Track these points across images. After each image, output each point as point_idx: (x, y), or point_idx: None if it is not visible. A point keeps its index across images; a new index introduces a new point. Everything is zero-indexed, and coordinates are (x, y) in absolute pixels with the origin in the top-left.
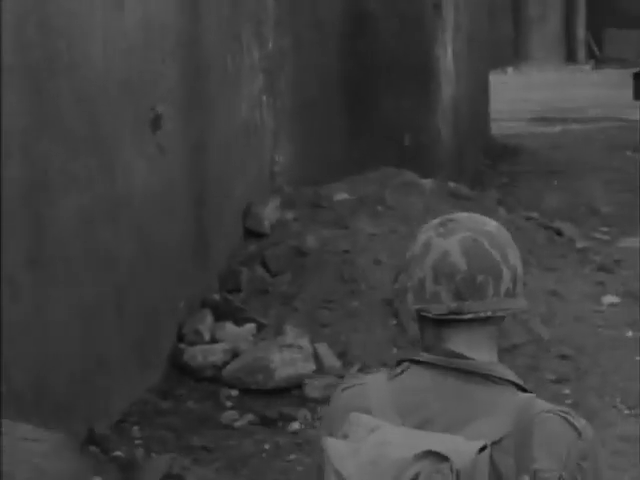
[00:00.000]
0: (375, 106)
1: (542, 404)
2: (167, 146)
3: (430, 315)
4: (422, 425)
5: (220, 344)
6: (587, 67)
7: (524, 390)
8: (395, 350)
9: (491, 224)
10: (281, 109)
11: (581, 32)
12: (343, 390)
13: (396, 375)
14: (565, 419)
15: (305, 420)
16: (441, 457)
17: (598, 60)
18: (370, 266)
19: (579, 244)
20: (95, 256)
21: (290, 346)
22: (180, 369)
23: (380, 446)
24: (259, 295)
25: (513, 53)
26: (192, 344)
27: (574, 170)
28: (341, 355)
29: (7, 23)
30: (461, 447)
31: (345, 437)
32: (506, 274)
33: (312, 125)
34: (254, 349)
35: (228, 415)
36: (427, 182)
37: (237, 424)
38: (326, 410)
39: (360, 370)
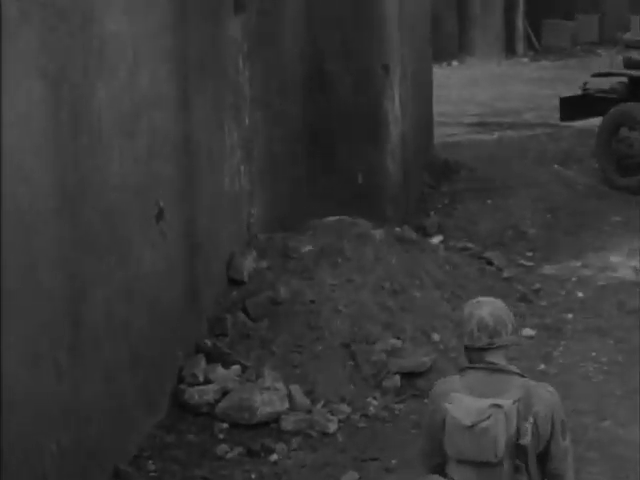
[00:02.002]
0: (332, 152)
1: (533, 382)
2: (167, 230)
3: (476, 346)
4: (480, 396)
5: (212, 385)
6: (526, 60)
7: (523, 376)
8: (352, 386)
9: (498, 302)
10: (255, 171)
11: (520, 26)
12: (439, 383)
13: (462, 375)
14: (545, 387)
15: (282, 452)
16: (498, 405)
17: (537, 51)
18: (332, 315)
19: (506, 273)
20: (114, 329)
21: (268, 389)
22: (181, 407)
23: (466, 404)
24: (242, 339)
25: (458, 47)
26: (190, 385)
27: (506, 187)
28: (309, 393)
29: (50, 167)
30: (504, 402)
31: (450, 403)
32: (509, 325)
33: (280, 176)
34: (240, 390)
35: (222, 448)
36: (377, 232)
37: (229, 455)
38: (432, 393)
39: (324, 406)
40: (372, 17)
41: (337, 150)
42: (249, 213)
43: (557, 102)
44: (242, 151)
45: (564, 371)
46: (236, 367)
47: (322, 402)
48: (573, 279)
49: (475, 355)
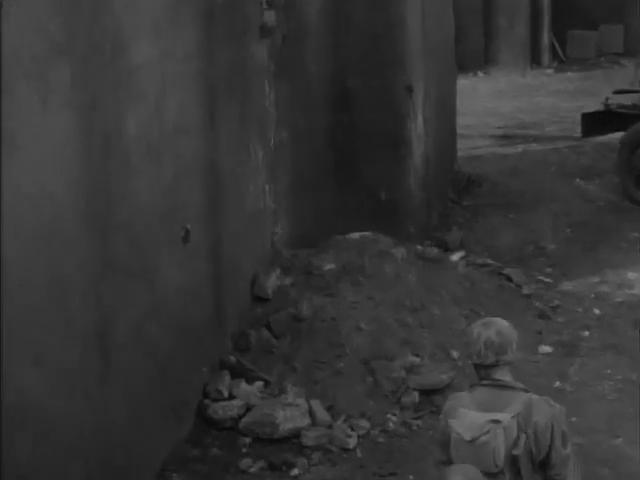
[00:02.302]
0: (356, 170)
1: (536, 396)
2: (193, 251)
3: (484, 364)
4: (486, 410)
5: (236, 400)
6: (550, 71)
7: (527, 391)
8: (372, 402)
9: (503, 322)
10: (280, 190)
11: (545, 38)
12: (450, 399)
13: (471, 391)
14: (546, 401)
15: (303, 467)
16: (497, 420)
17: (562, 61)
18: (352, 332)
19: (525, 290)
20: (142, 349)
21: (290, 404)
22: (205, 422)
23: (469, 420)
24: (265, 355)
25: (484, 58)
26: (215, 400)
27: (528, 202)
28: (329, 408)
29: (78, 192)
30: (504, 417)
31: (455, 418)
32: (513, 344)
33: (305, 194)
34: (263, 405)
35: (245, 462)
36: (398, 250)
37: (251, 470)
38: (444, 408)
39: (344, 422)
40: (396, 38)
41: (361, 168)
42: (273, 231)
43: (579, 115)
44: (267, 171)
45: (579, 389)
46: (259, 383)
47: (342, 418)
48: (591, 296)
49: (483, 372)
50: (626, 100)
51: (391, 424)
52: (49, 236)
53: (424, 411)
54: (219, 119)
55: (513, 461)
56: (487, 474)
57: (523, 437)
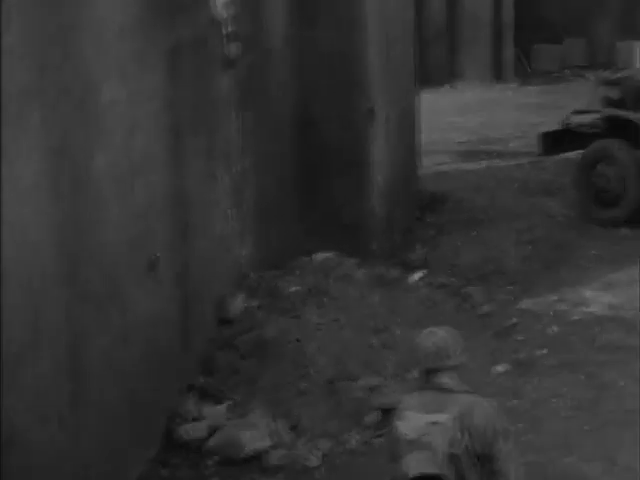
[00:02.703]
0: (321, 192)
1: (477, 397)
2: (162, 278)
3: (429, 369)
4: (429, 412)
5: (203, 421)
6: (514, 84)
7: (469, 393)
8: (335, 422)
9: (447, 330)
10: (245, 213)
11: (509, 52)
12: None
13: (418, 394)
14: (487, 402)
15: None
16: (436, 422)
17: (528, 74)
18: (317, 353)
19: (485, 308)
20: (112, 375)
21: (255, 425)
22: (174, 442)
23: (414, 420)
24: (232, 376)
25: (449, 72)
26: (182, 422)
27: (491, 218)
28: (293, 428)
29: (49, 227)
30: (444, 418)
31: (401, 419)
32: (457, 350)
33: (271, 217)
34: (229, 426)
35: None
36: (361, 272)
37: None
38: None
39: (308, 441)
40: (357, 64)
41: (325, 190)
42: (240, 254)
43: (543, 129)
44: (233, 196)
45: (535, 407)
46: (226, 404)
47: (306, 437)
48: (549, 314)
49: (427, 377)
50: (585, 119)
51: (353, 443)
52: (24, 266)
53: (385, 430)
54: (185, 150)
55: (453, 459)
56: (435, 465)
57: (465, 436)
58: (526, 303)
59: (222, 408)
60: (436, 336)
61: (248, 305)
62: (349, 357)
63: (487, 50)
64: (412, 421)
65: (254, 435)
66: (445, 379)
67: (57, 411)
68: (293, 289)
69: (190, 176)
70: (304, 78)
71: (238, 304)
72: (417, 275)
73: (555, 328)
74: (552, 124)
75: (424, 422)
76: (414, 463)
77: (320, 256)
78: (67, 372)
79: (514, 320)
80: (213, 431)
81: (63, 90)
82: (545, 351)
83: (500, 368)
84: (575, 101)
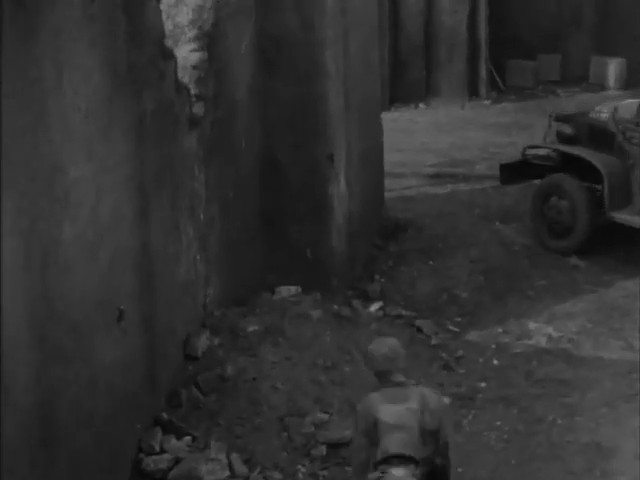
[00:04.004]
0: (285, 231)
1: (426, 389)
2: (128, 326)
3: (383, 371)
4: (395, 403)
5: (166, 454)
6: (488, 102)
7: (417, 385)
8: (285, 455)
9: (391, 340)
10: (211, 257)
11: (483, 69)
12: (365, 402)
13: (380, 392)
14: (434, 392)
15: None
16: (410, 408)
17: (502, 90)
18: (270, 391)
19: (434, 341)
20: (81, 419)
21: (213, 459)
22: (140, 474)
23: (391, 409)
24: (194, 411)
25: (425, 90)
26: (148, 454)
27: (449, 247)
28: (247, 461)
29: (20, 296)
30: (413, 405)
31: (379, 411)
32: (401, 354)
33: (236, 257)
34: (189, 459)
35: None
36: (316, 312)
37: None
38: (362, 408)
39: (260, 473)
40: (316, 114)
41: (289, 230)
42: (205, 294)
43: (510, 151)
44: (198, 242)
45: (470, 440)
46: (187, 438)
47: (258, 469)
48: (492, 346)
49: (383, 378)
50: (541, 151)
51: (301, 475)
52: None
53: (330, 462)
54: (150, 208)
55: (423, 434)
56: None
57: (426, 417)
58: (472, 335)
59: (184, 442)
60: (388, 343)
61: (211, 343)
62: (300, 394)
63: (462, 67)
64: (389, 409)
65: (212, 468)
66: (400, 377)
67: (28, 456)
68: (251, 329)
69: (154, 230)
70: (268, 127)
71: (202, 342)
72: (374, 307)
73: (496, 361)
74: (519, 146)
75: (400, 409)
76: (395, 442)
77: (283, 290)
78: (37, 421)
79: (460, 353)
80: (175, 463)
81: (32, 178)
82: (484, 384)
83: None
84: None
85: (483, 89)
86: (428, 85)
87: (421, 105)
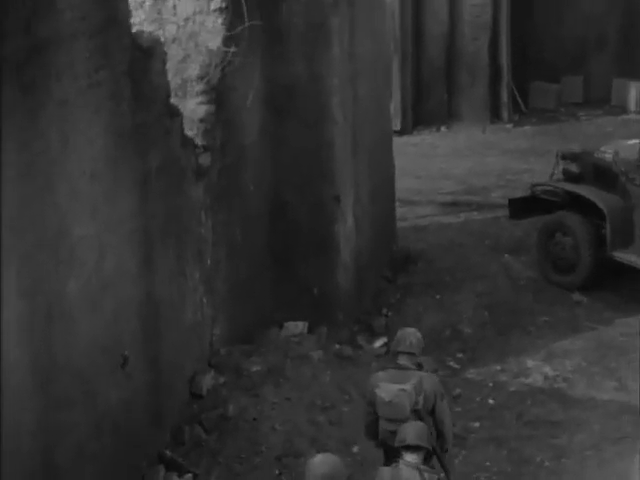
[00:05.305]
0: (293, 269)
1: (424, 373)
2: (132, 371)
3: (397, 351)
4: (395, 383)
5: None
6: (509, 125)
7: (418, 370)
8: None
9: (410, 329)
10: (218, 298)
11: (505, 93)
12: (372, 378)
13: (385, 371)
14: (432, 376)
15: None
16: (404, 389)
17: (524, 113)
18: (269, 431)
19: None
20: (85, 461)
21: None
22: None
23: (388, 388)
24: (197, 449)
25: (447, 113)
26: None
27: (456, 280)
28: None
29: (26, 348)
30: (407, 386)
31: (378, 388)
32: (412, 340)
33: (244, 297)
34: None
35: None
36: (317, 353)
37: None
38: (369, 384)
39: None
40: (323, 158)
41: (297, 267)
42: (212, 334)
43: (526, 178)
44: (204, 286)
45: None
46: (189, 475)
47: None
48: (490, 384)
49: (394, 359)
50: (547, 188)
51: None
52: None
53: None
54: (155, 257)
55: (416, 413)
56: (398, 420)
57: (420, 398)
58: (472, 372)
59: (185, 479)
60: (405, 330)
61: (216, 382)
62: (297, 434)
63: (484, 91)
64: (386, 388)
65: None
66: (403, 361)
67: None
68: (255, 369)
69: (160, 278)
70: (278, 170)
71: (207, 381)
72: (378, 343)
73: (492, 400)
74: (535, 173)
75: (395, 389)
76: (411, 434)
77: (290, 325)
78: (41, 467)
79: (457, 391)
80: None
81: (37, 241)
82: (478, 424)
83: None
84: (564, 144)
85: (505, 113)
86: (450, 109)
87: (443, 128)
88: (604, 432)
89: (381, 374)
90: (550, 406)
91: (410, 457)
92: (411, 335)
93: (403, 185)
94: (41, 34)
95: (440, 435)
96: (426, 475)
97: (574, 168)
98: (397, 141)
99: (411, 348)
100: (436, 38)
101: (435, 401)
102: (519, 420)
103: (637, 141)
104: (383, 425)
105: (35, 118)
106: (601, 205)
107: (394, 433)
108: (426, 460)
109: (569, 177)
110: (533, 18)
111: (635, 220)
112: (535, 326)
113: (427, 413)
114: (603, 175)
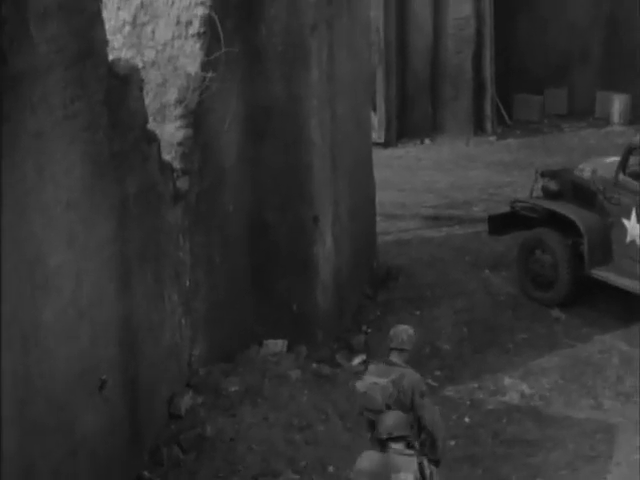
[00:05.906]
0: (273, 287)
1: (408, 369)
2: (110, 394)
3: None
4: (379, 376)
5: None
6: (493, 138)
7: (403, 367)
8: None
9: (403, 326)
10: (197, 319)
11: (489, 106)
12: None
13: (375, 365)
14: (413, 372)
15: None
16: (376, 382)
17: (508, 125)
18: (246, 452)
19: None
20: None
21: None
22: None
23: (365, 381)
24: (175, 469)
25: (431, 125)
26: None
27: (436, 296)
28: None
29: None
30: (382, 380)
31: (360, 380)
32: (404, 337)
33: (223, 316)
34: None
35: None
36: (295, 372)
37: None
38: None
39: None
40: (303, 179)
41: (277, 286)
42: (190, 354)
43: (508, 192)
44: (183, 307)
45: None
46: None
47: None
48: (467, 402)
49: (388, 353)
50: (526, 205)
51: None
52: None
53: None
54: (133, 281)
55: (388, 406)
56: (377, 411)
57: (395, 392)
58: (449, 390)
59: None
60: (398, 327)
61: (194, 402)
62: (274, 454)
63: (468, 103)
64: (365, 380)
65: None
66: (394, 357)
67: None
68: (233, 389)
69: (137, 302)
70: (257, 191)
71: (186, 401)
72: (357, 360)
73: (467, 419)
74: (517, 186)
75: (369, 382)
76: (390, 423)
77: (270, 343)
78: None
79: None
80: None
81: (13, 270)
82: (453, 443)
83: None
84: (547, 157)
85: (489, 125)
86: (434, 121)
87: (427, 141)
88: (579, 451)
89: (372, 367)
90: (526, 425)
91: (396, 445)
92: (403, 332)
93: (386, 198)
94: (17, 67)
95: (428, 435)
96: (424, 462)
97: (553, 185)
98: (381, 154)
99: (402, 345)
100: (420, 51)
101: (413, 397)
102: (495, 439)
103: (615, 159)
104: (365, 414)
105: (11, 149)
106: (579, 223)
107: (372, 422)
108: (408, 447)
109: (548, 194)
110: (517, 30)
111: (613, 238)
112: (513, 343)
113: (407, 409)
114: (581, 193)
